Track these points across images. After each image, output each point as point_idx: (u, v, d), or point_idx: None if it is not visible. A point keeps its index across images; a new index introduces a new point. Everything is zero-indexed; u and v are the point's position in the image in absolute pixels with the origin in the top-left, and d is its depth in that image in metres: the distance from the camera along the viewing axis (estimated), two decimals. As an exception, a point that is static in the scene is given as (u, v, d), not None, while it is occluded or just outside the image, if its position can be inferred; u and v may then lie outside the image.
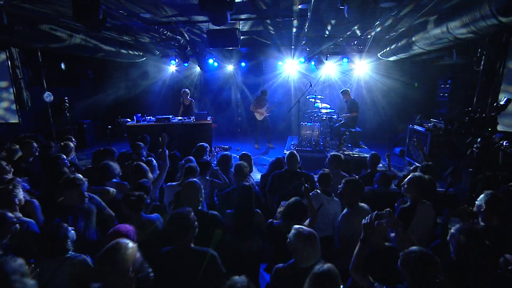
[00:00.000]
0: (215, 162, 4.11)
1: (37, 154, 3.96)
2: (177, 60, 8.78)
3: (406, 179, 2.66)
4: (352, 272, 1.91)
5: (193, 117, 7.12)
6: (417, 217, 2.50)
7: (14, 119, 6.48)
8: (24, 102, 6.49)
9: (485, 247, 1.85)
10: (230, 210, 2.73)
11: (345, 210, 2.65)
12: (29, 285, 1.51)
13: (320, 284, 1.49)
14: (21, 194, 2.47)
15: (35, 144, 3.95)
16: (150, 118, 7.13)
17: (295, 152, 3.54)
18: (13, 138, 5.98)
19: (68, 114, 7.28)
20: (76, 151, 5.24)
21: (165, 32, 5.87)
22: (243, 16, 5.28)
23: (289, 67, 9.14)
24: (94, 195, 2.69)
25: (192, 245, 1.97)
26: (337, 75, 9.35)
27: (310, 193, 2.84)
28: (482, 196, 2.32)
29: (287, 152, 3.59)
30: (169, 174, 3.82)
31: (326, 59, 8.36)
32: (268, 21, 5.52)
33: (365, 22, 5.18)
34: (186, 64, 8.55)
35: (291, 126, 9.39)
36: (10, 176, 3.16)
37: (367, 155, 6.12)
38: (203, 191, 2.57)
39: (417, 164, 4.03)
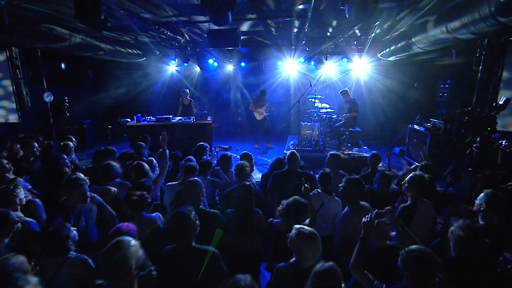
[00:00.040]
0: (215, 162, 4.12)
1: (38, 154, 3.97)
2: (177, 60, 8.79)
3: (406, 178, 2.68)
4: (352, 270, 1.92)
5: (193, 117, 7.13)
6: (418, 216, 2.52)
7: (14, 119, 6.49)
8: (24, 102, 6.49)
9: (484, 244, 1.86)
10: (231, 210, 2.74)
11: (346, 209, 2.66)
12: (32, 282, 1.52)
13: (322, 282, 1.50)
14: (22, 194, 2.48)
15: (35, 144, 3.95)
16: (150, 118, 7.14)
17: (296, 152, 3.55)
18: (13, 138, 5.98)
19: (68, 114, 7.29)
20: (76, 151, 5.25)
21: (166, 32, 5.88)
22: (244, 17, 5.29)
23: (289, 67, 9.15)
24: (95, 195, 2.70)
25: (194, 243, 1.98)
26: (337, 75, 9.36)
27: (311, 193, 2.85)
28: (482, 195, 2.33)
29: (288, 152, 3.60)
30: (170, 173, 3.83)
31: (326, 59, 8.37)
32: (269, 21, 5.54)
33: (365, 22, 5.19)
34: (186, 64, 8.56)
35: (291, 126, 9.41)
36: (10, 174, 3.17)
37: (367, 155, 6.16)
38: (204, 190, 2.58)
39: (417, 164, 4.04)
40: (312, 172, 3.86)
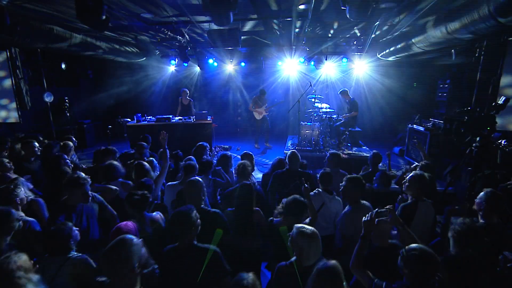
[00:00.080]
0: (215, 162, 4.13)
1: (39, 153, 3.97)
2: (177, 60, 8.80)
3: (407, 177, 2.69)
4: (352, 269, 1.93)
5: (194, 117, 7.14)
6: (418, 215, 2.53)
7: (14, 119, 6.49)
8: (24, 102, 6.49)
9: (483, 243, 1.87)
10: (231, 209, 2.75)
11: (346, 208, 2.67)
12: (34, 280, 1.53)
13: (324, 280, 1.51)
14: (22, 194, 2.48)
15: (36, 144, 3.96)
16: (151, 118, 7.14)
17: (296, 152, 3.57)
18: (13, 138, 5.98)
19: (68, 114, 7.29)
20: (76, 151, 5.25)
21: (166, 32, 5.89)
22: (245, 17, 5.30)
23: (289, 67, 9.16)
24: (96, 194, 2.71)
25: (195, 242, 1.99)
26: (336, 75, 9.38)
27: (312, 192, 2.86)
28: (482, 194, 2.35)
29: (288, 152, 3.61)
30: (171, 173, 3.84)
31: (326, 59, 8.39)
32: (270, 21, 5.54)
33: (365, 22, 5.21)
34: (185, 64, 8.57)
35: (290, 126, 9.41)
36: (12, 174, 3.18)
37: (367, 155, 6.18)
38: (205, 189, 2.59)
39: (417, 163, 4.05)
40: (311, 171, 3.88)
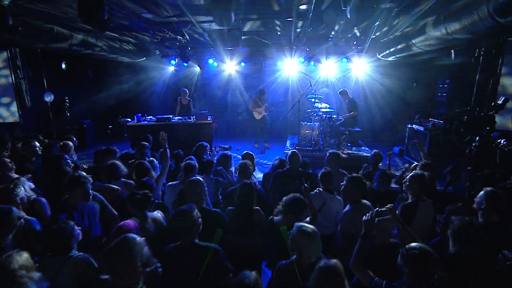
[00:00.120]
0: (215, 162, 4.14)
1: (40, 153, 3.98)
2: (177, 60, 8.81)
3: (407, 177, 2.70)
4: (353, 268, 1.94)
5: (194, 116, 7.15)
6: (418, 214, 2.54)
7: (15, 119, 6.49)
8: (24, 102, 6.50)
9: (483, 242, 1.88)
10: (231, 208, 2.77)
11: (347, 207, 2.68)
12: (36, 278, 1.54)
13: (325, 278, 1.52)
14: (22, 193, 2.48)
15: (37, 143, 3.97)
16: (151, 118, 7.15)
17: (297, 152, 3.58)
18: (13, 138, 5.98)
19: (68, 114, 7.29)
20: (76, 151, 5.25)
21: (166, 32, 5.90)
22: (246, 17, 5.30)
23: (289, 67, 9.17)
24: (97, 193, 2.71)
25: (197, 240, 2.00)
26: (336, 75, 9.39)
27: (313, 192, 2.87)
28: (482, 193, 2.36)
29: (289, 151, 3.63)
30: (172, 173, 3.85)
31: (326, 59, 8.40)
32: (272, 21, 5.55)
33: (366, 23, 5.22)
34: (185, 64, 8.58)
35: (290, 126, 9.42)
36: (13, 173, 3.18)
37: (366, 154, 6.20)
38: (206, 189, 2.61)
39: (416, 163, 4.07)
40: (311, 171, 3.89)
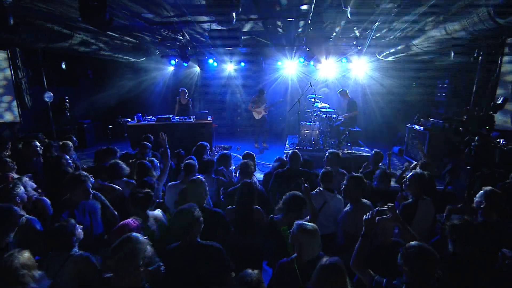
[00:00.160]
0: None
1: (41, 153, 3.99)
2: (177, 60, 8.82)
3: (407, 176, 2.71)
4: (353, 267, 1.94)
5: (194, 116, 7.16)
6: (419, 213, 2.56)
7: (15, 119, 6.49)
8: (25, 102, 6.50)
9: (481, 238, 1.89)
10: (231, 207, 2.78)
11: (348, 206, 2.69)
12: (38, 277, 1.54)
13: (327, 275, 1.53)
14: (22, 193, 2.48)
15: (37, 143, 3.97)
16: (151, 118, 7.16)
17: (298, 151, 3.59)
18: (14, 137, 5.99)
19: (68, 114, 7.29)
20: (76, 151, 5.26)
21: (167, 32, 5.91)
22: (247, 17, 5.31)
23: (289, 67, 9.19)
24: (98, 193, 2.72)
25: (198, 239, 2.01)
26: (336, 75, 9.40)
27: (314, 191, 2.88)
28: (481, 192, 2.37)
29: (290, 151, 3.64)
30: (174, 172, 3.86)
31: (326, 59, 8.40)
32: (272, 21, 5.57)
33: (366, 23, 5.23)
34: (185, 64, 8.58)
35: (290, 126, 9.43)
36: (14, 173, 3.19)
37: (366, 154, 6.20)
38: (207, 188, 2.62)
39: (416, 163, 4.08)
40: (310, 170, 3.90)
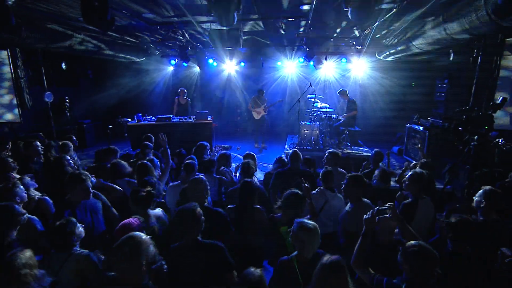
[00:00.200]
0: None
1: (41, 153, 3.99)
2: (177, 60, 8.83)
3: (407, 176, 2.73)
4: (354, 266, 1.96)
5: (194, 116, 7.17)
6: (419, 212, 2.57)
7: (15, 119, 6.49)
8: (25, 102, 6.50)
9: (481, 238, 1.90)
10: (232, 206, 2.79)
11: (348, 206, 2.71)
12: (39, 276, 1.55)
13: (329, 273, 1.54)
14: (22, 192, 2.49)
15: (38, 143, 3.98)
16: (151, 118, 7.16)
17: (298, 151, 3.60)
18: (14, 138, 5.98)
19: (68, 114, 7.29)
20: (76, 151, 5.26)
21: (167, 32, 5.92)
22: (248, 17, 5.32)
23: (289, 67, 9.20)
24: (98, 193, 2.73)
25: (200, 238, 2.03)
26: (335, 75, 9.42)
27: (314, 191, 2.90)
28: (480, 191, 2.38)
29: (290, 151, 3.65)
30: (175, 172, 3.87)
31: (325, 59, 8.42)
32: (273, 21, 5.57)
33: (366, 23, 5.25)
34: (185, 64, 8.60)
35: (290, 126, 9.45)
36: (15, 173, 3.20)
37: (366, 154, 6.22)
38: (208, 188, 2.63)
39: (416, 162, 4.10)
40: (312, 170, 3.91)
